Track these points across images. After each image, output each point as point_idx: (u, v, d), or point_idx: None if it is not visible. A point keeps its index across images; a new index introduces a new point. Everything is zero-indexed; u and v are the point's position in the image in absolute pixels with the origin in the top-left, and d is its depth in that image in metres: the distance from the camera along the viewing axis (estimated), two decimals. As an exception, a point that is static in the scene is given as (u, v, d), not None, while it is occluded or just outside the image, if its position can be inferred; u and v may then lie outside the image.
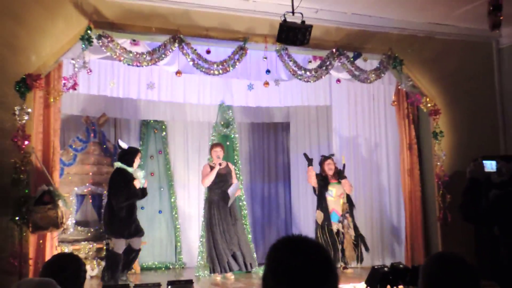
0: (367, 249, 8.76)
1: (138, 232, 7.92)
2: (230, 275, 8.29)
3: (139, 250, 8.11)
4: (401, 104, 8.91)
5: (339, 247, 8.55)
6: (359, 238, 8.68)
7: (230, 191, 8.40)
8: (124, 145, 8.07)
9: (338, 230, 8.62)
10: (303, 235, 1.98)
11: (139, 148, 8.21)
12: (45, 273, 3.10)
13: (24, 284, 2.59)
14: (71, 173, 8.91)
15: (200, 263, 8.78)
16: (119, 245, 7.72)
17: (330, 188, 8.75)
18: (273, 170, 11.24)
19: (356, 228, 8.76)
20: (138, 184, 7.80)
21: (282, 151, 11.30)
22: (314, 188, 8.90)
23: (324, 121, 10.53)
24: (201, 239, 8.89)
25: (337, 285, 1.90)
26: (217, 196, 8.40)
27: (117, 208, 7.62)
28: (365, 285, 7.09)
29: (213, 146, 8.75)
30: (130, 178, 7.78)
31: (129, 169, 7.85)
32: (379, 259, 9.23)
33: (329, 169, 8.85)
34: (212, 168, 8.47)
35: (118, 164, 7.90)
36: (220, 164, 8.42)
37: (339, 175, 8.81)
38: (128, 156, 7.93)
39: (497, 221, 7.17)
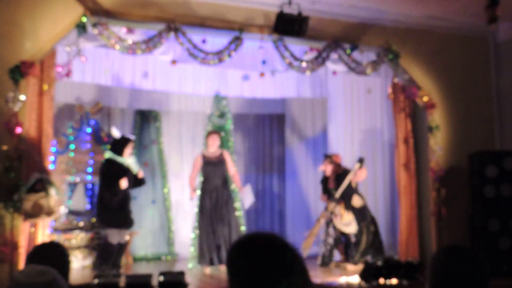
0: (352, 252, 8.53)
1: (125, 223, 7.66)
2: (221, 267, 8.22)
3: (126, 244, 7.86)
4: (397, 97, 8.85)
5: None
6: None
7: (243, 199, 8.57)
8: (116, 133, 7.78)
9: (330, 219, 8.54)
10: (260, 231, 1.89)
11: (132, 137, 8.02)
12: (30, 262, 3.04)
13: (28, 268, 2.56)
14: (63, 161, 8.86)
15: (193, 254, 8.72)
16: (112, 235, 7.54)
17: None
18: (268, 162, 11.18)
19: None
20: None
21: (277, 143, 11.23)
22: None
23: (319, 114, 10.50)
24: (194, 230, 8.82)
25: (303, 275, 1.79)
26: (211, 185, 8.31)
27: (109, 199, 7.48)
28: (359, 279, 7.12)
29: (209, 133, 8.63)
30: (121, 169, 7.55)
31: (119, 159, 7.60)
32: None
33: (327, 170, 8.67)
34: (204, 157, 8.39)
35: (107, 155, 7.68)
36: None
37: (341, 175, 8.54)
38: (119, 146, 7.65)
39: None
